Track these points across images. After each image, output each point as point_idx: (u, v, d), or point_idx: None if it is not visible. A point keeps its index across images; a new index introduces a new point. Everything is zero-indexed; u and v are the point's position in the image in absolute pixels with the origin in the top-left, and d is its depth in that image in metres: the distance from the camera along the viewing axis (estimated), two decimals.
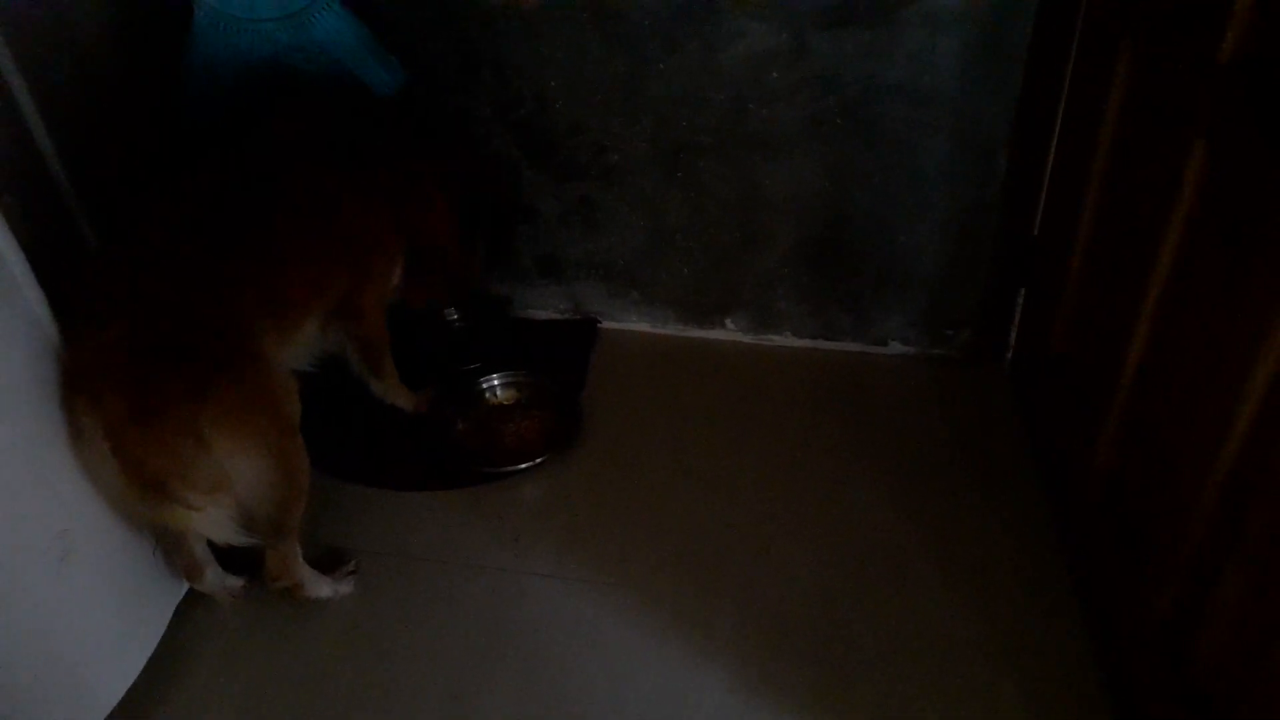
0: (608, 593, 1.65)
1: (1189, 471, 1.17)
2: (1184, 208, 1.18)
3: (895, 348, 2.16)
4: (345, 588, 1.66)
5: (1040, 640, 1.52)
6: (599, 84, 1.91)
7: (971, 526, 1.72)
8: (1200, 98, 1.14)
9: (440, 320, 2.21)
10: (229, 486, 1.38)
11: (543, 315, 2.32)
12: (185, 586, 1.62)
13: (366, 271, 1.75)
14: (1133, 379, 1.37)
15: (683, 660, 1.53)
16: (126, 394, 1.29)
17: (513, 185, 2.12)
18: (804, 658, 1.52)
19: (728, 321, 2.22)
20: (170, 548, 1.54)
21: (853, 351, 2.18)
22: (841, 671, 1.50)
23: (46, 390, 1.32)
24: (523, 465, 1.89)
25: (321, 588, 1.63)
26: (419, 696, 1.50)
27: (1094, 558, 1.52)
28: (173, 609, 1.59)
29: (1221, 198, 1.11)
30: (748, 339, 2.23)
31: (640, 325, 2.28)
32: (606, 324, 2.29)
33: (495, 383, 2.09)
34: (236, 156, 1.63)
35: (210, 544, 1.55)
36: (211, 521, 1.41)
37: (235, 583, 1.65)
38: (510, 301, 2.30)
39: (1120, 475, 1.43)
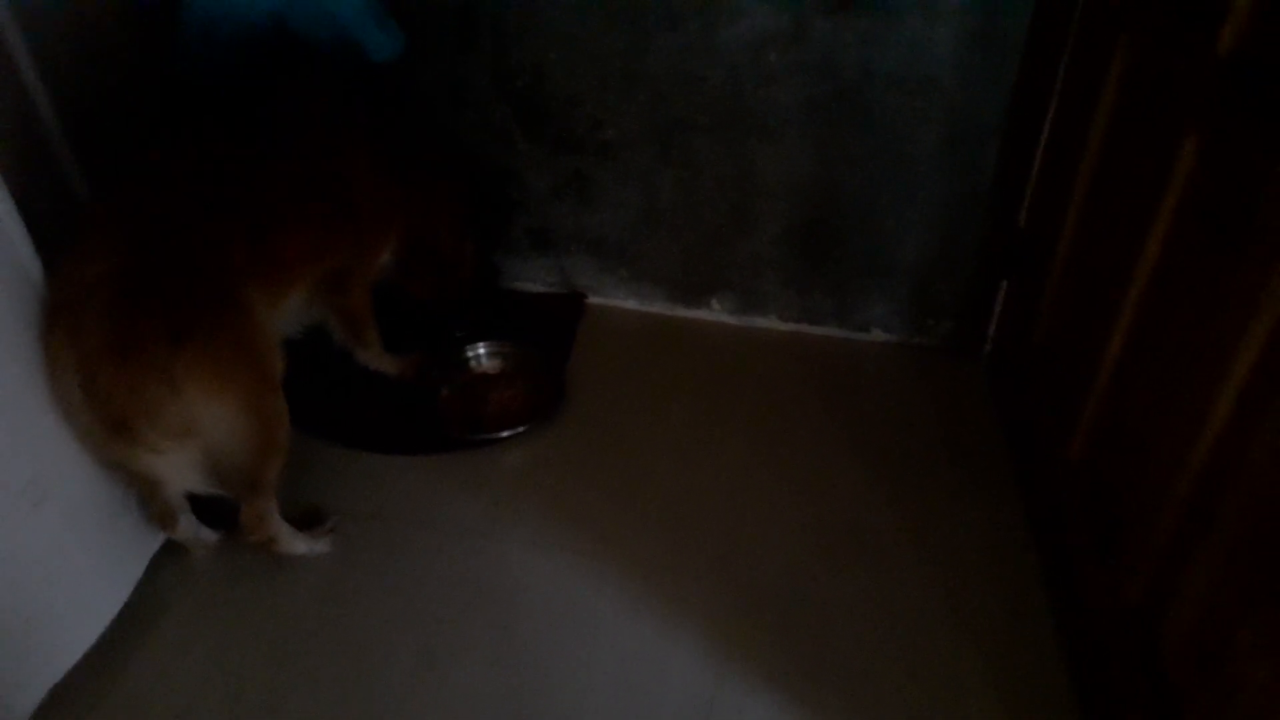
0: (583, 561, 1.65)
1: (1164, 462, 1.19)
2: (1172, 201, 1.20)
3: (877, 334, 2.18)
4: (322, 546, 1.66)
5: (1008, 623, 1.54)
6: (597, 57, 1.91)
7: (944, 510, 1.74)
8: (1196, 91, 1.15)
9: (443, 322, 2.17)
10: (197, 433, 1.37)
11: (532, 288, 2.32)
12: (161, 538, 1.62)
13: (361, 248, 1.76)
14: (1112, 371, 1.38)
15: (655, 628, 1.54)
16: (103, 329, 1.28)
17: (505, 189, 2.14)
18: (775, 629, 1.54)
19: (714, 302, 2.23)
20: (145, 493, 1.53)
21: (835, 337, 2.20)
22: (810, 645, 1.51)
23: (27, 336, 1.31)
24: (504, 434, 1.89)
25: (297, 544, 1.63)
26: (391, 655, 1.50)
27: (1065, 544, 1.54)
28: (147, 559, 1.59)
29: (1211, 192, 1.12)
30: (733, 320, 2.24)
31: (628, 302, 2.29)
32: (594, 299, 2.30)
33: (481, 351, 2.10)
34: (247, 116, 1.64)
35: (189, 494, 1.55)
36: (174, 466, 1.40)
37: (210, 535, 1.65)
38: (499, 272, 2.30)
39: (1094, 465, 1.45)
